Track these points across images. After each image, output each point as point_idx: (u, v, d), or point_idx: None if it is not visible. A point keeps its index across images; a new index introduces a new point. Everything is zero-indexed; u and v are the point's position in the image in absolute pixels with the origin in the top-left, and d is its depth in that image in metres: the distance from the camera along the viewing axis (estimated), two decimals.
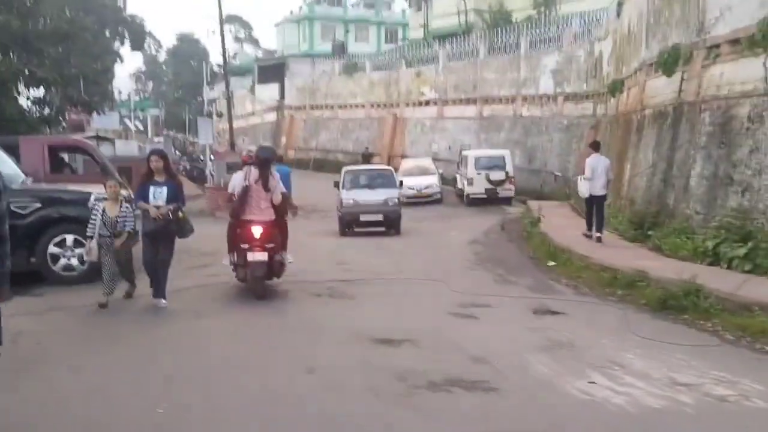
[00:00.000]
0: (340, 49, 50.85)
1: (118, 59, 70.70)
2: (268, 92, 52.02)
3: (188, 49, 77.92)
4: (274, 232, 8.78)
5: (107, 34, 68.44)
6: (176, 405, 5.19)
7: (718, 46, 11.03)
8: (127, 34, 69.97)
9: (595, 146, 13.34)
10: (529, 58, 28.78)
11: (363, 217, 16.90)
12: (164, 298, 8.36)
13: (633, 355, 6.43)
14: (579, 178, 13.79)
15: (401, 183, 19.48)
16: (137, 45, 72.50)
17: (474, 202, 23.93)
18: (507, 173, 23.81)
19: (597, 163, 12.65)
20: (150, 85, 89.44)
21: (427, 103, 35.50)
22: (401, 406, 5.15)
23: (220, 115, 45.34)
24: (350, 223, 17.04)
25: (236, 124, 36.18)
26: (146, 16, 77.68)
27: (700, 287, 7.98)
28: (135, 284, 8.85)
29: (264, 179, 8.73)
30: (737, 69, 10.45)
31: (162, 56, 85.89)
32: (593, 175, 12.53)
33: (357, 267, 11.65)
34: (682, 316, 7.82)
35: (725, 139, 10.49)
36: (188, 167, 38.55)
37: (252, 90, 55.25)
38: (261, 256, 8.61)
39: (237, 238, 8.80)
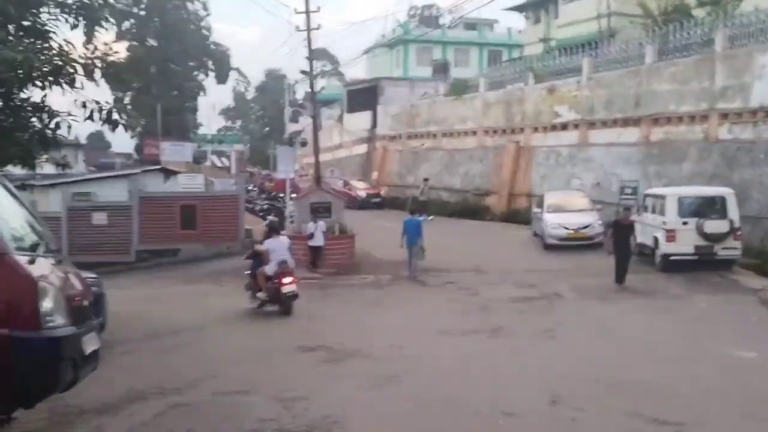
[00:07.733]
0: (442, 70, 43.43)
1: (201, 91, 66.49)
2: (359, 121, 44.78)
3: (275, 85, 76.04)
4: None
5: (190, 63, 64.18)
6: None
7: None
8: (211, 65, 65.38)
9: None
10: (730, 57, 20.44)
11: None
12: None
13: None
14: None
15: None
16: (222, 77, 67.85)
17: (674, 266, 16.06)
18: (732, 223, 15.73)
19: None
20: (239, 123, 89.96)
21: (564, 126, 27.52)
22: None
23: (303, 144, 38.54)
24: None
25: (322, 157, 29.06)
26: (235, 56, 75.67)
27: None
28: None
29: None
30: None
31: (251, 94, 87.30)
32: None
33: None
34: None
35: None
36: (265, 207, 32.07)
37: (340, 119, 48.26)
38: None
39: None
